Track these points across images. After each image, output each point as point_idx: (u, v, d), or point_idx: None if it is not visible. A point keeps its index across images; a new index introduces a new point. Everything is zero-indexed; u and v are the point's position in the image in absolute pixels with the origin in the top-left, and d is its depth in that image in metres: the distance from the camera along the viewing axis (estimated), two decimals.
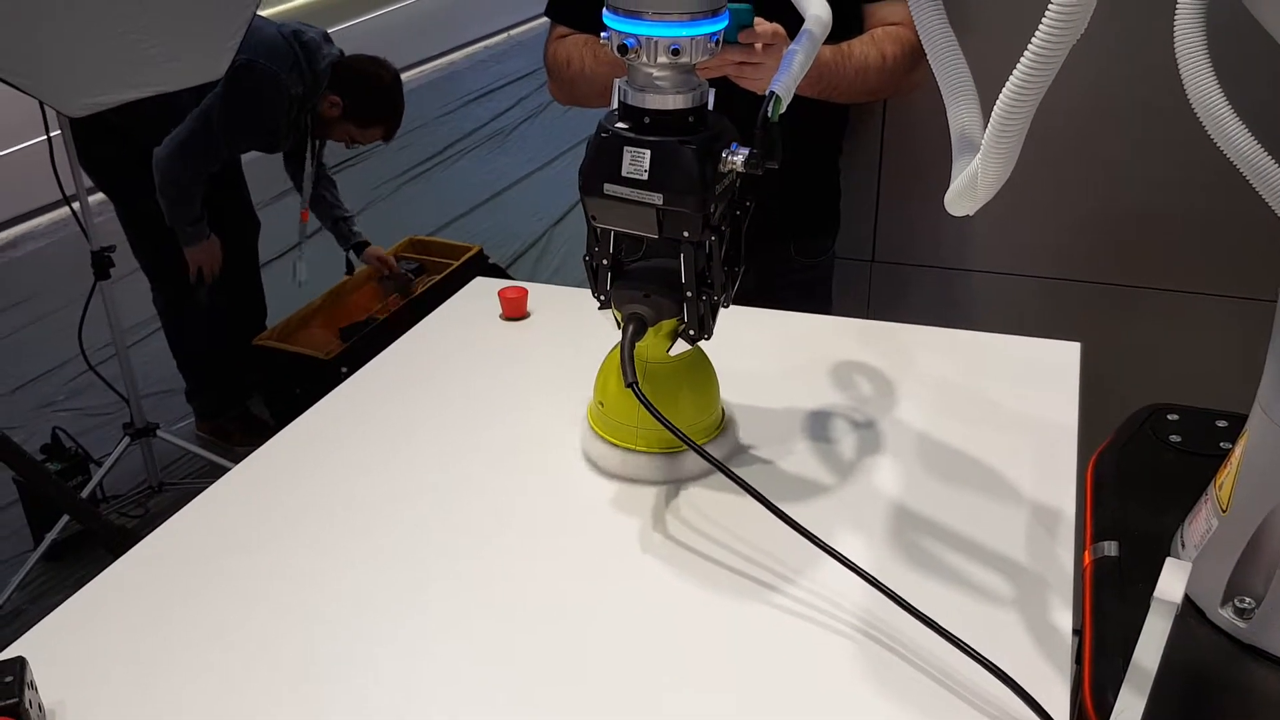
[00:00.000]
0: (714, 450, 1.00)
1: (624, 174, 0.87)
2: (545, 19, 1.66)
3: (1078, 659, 0.83)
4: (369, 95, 2.74)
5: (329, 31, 2.75)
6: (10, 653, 0.79)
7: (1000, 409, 1.13)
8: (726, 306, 0.96)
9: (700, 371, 1.02)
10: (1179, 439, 1.02)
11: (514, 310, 1.36)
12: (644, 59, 0.85)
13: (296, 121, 2.67)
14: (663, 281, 0.94)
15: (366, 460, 1.09)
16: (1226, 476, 0.82)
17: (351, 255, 3.13)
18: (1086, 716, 0.77)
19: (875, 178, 1.88)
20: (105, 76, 2.02)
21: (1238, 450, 0.82)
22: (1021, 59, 0.63)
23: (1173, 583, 0.66)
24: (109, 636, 0.86)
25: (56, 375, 3.32)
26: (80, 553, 2.52)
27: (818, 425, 1.11)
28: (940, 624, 0.78)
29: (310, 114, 2.67)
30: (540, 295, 1.40)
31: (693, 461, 1.00)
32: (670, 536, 0.95)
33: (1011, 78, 0.65)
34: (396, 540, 0.97)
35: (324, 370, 2.73)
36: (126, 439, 2.65)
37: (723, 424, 1.05)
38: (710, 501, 0.99)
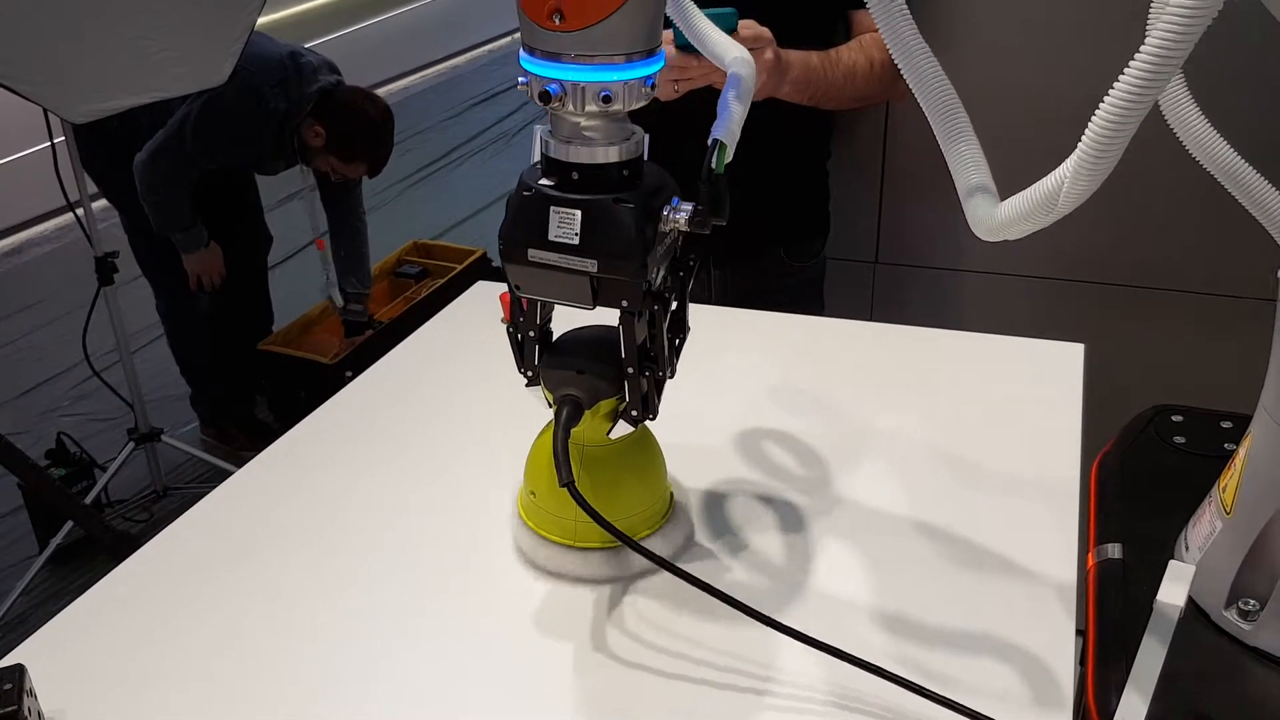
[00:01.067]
0: (664, 538, 0.91)
1: (551, 238, 0.77)
2: None
3: (1081, 661, 0.82)
4: (353, 129, 2.65)
5: (336, 35, 2.73)
6: (10, 660, 0.78)
7: (1004, 410, 1.12)
8: (671, 377, 0.85)
9: (645, 453, 0.91)
10: (1183, 440, 1.01)
11: None
12: (570, 108, 0.74)
13: (283, 142, 2.62)
14: (599, 355, 0.83)
15: (368, 466, 1.09)
16: (1230, 478, 0.82)
17: (335, 297, 3.05)
18: (1090, 718, 0.77)
19: (878, 179, 1.88)
20: (108, 83, 2.02)
21: (1241, 452, 0.81)
22: (1135, 63, 0.57)
23: (1176, 586, 0.65)
24: (109, 643, 0.86)
25: (62, 380, 3.33)
26: (85, 558, 2.52)
27: (814, 431, 1.11)
28: (922, 686, 0.74)
29: (297, 138, 2.64)
30: None
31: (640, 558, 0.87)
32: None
33: (1121, 85, 0.59)
34: (399, 544, 0.96)
35: (328, 374, 2.73)
36: (131, 444, 2.65)
37: (670, 507, 0.95)
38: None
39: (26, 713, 0.72)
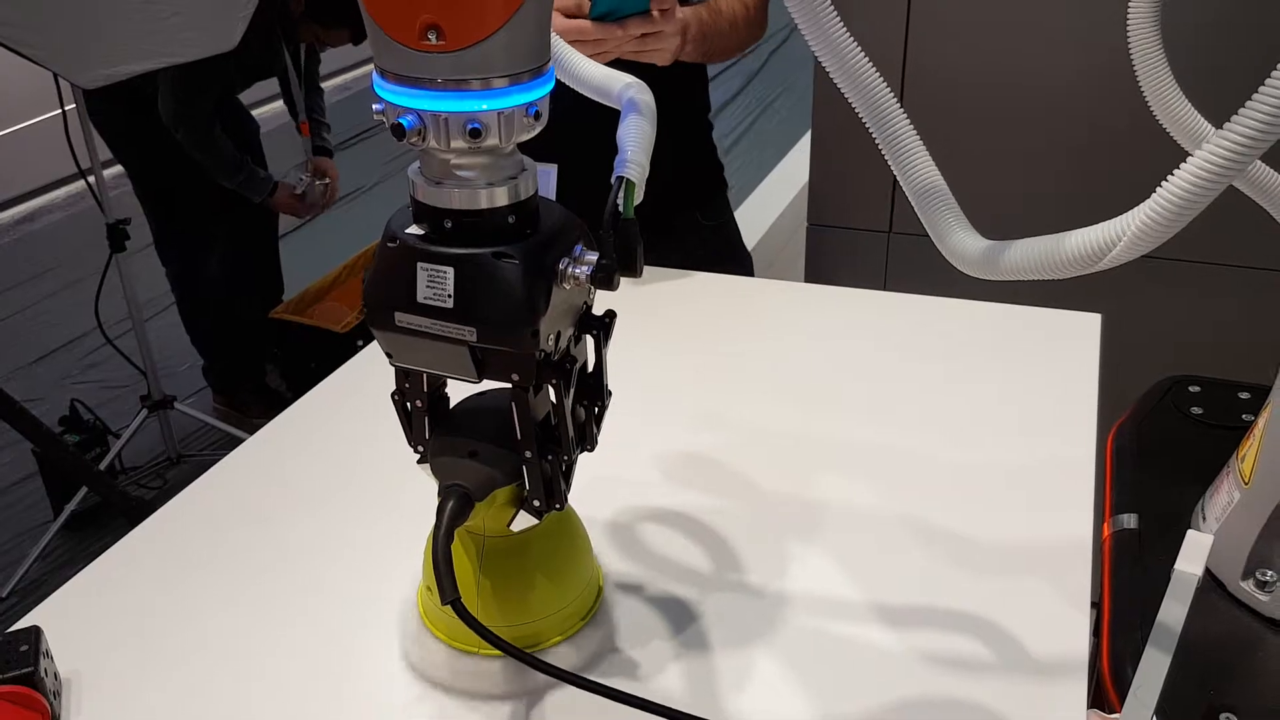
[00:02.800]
0: (581, 644, 0.77)
1: (420, 300, 0.63)
2: None
3: (1095, 632, 0.82)
4: None
5: None
6: (26, 622, 0.79)
7: (1020, 380, 1.11)
8: (590, 450, 0.73)
9: (560, 542, 0.76)
10: (1200, 411, 1.01)
11: None
12: (434, 143, 0.60)
13: (268, 27, 2.55)
14: (499, 431, 0.69)
15: (379, 432, 1.08)
16: (1249, 449, 0.81)
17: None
18: (1105, 690, 0.77)
19: None
20: (119, 48, 2.01)
21: (1261, 422, 0.80)
22: (1224, 135, 0.53)
23: (1194, 556, 0.65)
24: (124, 606, 0.86)
25: (75, 348, 3.34)
26: (99, 523, 2.54)
27: (822, 400, 1.10)
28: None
29: (281, 15, 2.58)
30: None
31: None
32: None
33: (1207, 154, 0.55)
34: (409, 511, 0.96)
35: (340, 343, 2.74)
36: (144, 411, 2.66)
37: (599, 596, 0.81)
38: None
39: (43, 673, 0.72)
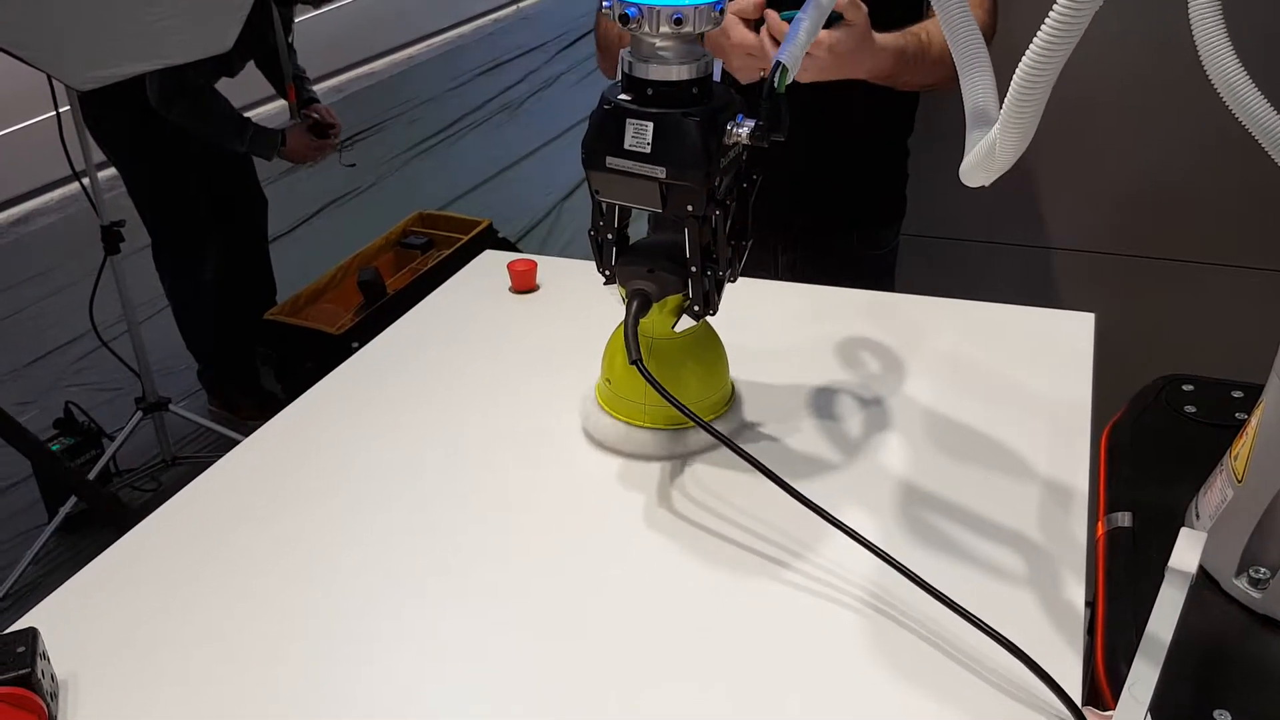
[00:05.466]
0: (721, 426, 0.99)
1: (626, 147, 0.85)
2: None
3: (1090, 630, 0.82)
4: None
5: (339, 6, 2.70)
6: (23, 624, 0.79)
7: (1014, 380, 1.12)
8: (733, 281, 0.94)
9: (707, 347, 1.01)
10: (1194, 409, 1.01)
11: (523, 283, 1.35)
12: (646, 29, 0.83)
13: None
14: (668, 257, 0.92)
15: (374, 434, 1.09)
16: (1242, 446, 0.81)
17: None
18: (1099, 688, 0.77)
19: None
20: (113, 50, 2.01)
21: (1254, 420, 0.81)
22: (1042, 27, 0.62)
23: (1188, 553, 0.65)
24: (120, 608, 0.86)
25: (69, 350, 3.33)
26: (94, 526, 2.54)
27: (827, 401, 1.10)
28: (950, 598, 0.77)
29: None
30: (549, 268, 1.39)
31: (699, 437, 0.99)
32: (676, 513, 0.95)
33: (1031, 46, 0.64)
34: (404, 514, 0.97)
35: (334, 345, 2.73)
36: (139, 413, 2.66)
37: (731, 400, 1.04)
38: (717, 478, 0.98)
39: (40, 675, 0.72)
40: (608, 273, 0.96)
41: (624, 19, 0.83)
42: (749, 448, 0.93)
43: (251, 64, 2.78)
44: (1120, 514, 0.87)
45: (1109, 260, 1.81)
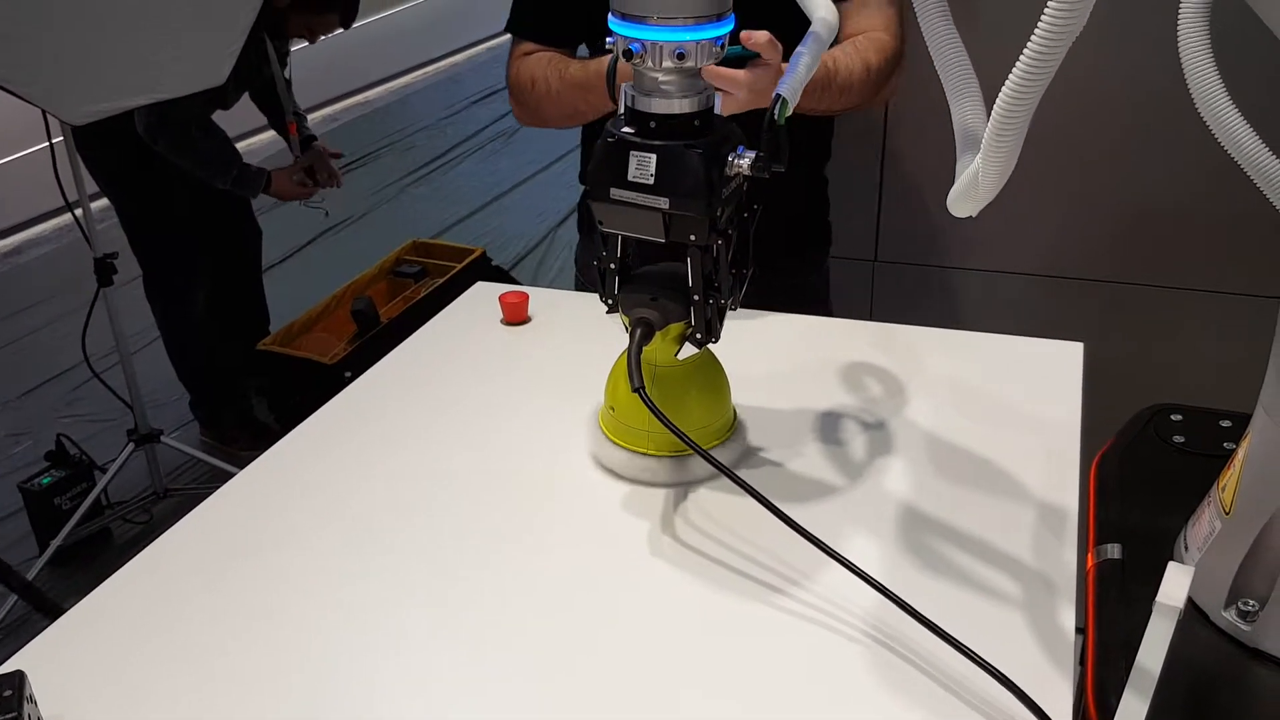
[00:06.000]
0: (723, 454, 1.01)
1: (630, 179, 0.87)
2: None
3: (1081, 660, 0.82)
4: None
5: (336, 33, 2.71)
6: (10, 666, 0.78)
7: (1003, 410, 1.12)
8: (734, 310, 0.96)
9: (710, 374, 1.03)
10: (1182, 439, 1.01)
11: (515, 315, 1.36)
12: (649, 64, 0.85)
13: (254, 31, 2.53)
14: (670, 285, 0.95)
15: (369, 470, 1.09)
16: (1230, 478, 0.82)
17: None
18: (1089, 719, 0.77)
19: (877, 177, 1.88)
20: (107, 84, 2.02)
21: (1241, 452, 0.81)
22: (1020, 58, 0.63)
23: (1175, 587, 0.65)
24: (109, 649, 0.86)
25: (61, 382, 3.32)
26: (85, 559, 2.53)
27: (823, 427, 1.11)
28: (944, 629, 0.78)
29: (265, 15, 2.56)
30: (541, 299, 1.40)
31: (702, 465, 0.99)
32: (679, 540, 0.95)
33: (1010, 77, 0.65)
34: (401, 546, 0.96)
35: (327, 375, 2.73)
36: (131, 445, 2.65)
37: (733, 427, 1.05)
38: (719, 505, 0.99)
39: (27, 719, 0.72)
40: (610, 301, 0.98)
41: (628, 54, 0.86)
42: (750, 474, 0.96)
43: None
44: (1110, 545, 0.88)
45: (1099, 287, 1.82)
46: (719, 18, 0.85)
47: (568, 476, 1.05)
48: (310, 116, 2.96)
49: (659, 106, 0.87)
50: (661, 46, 0.84)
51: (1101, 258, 1.80)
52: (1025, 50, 0.63)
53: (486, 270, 3.26)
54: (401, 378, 1.26)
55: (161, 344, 2.96)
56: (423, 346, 1.33)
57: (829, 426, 1.11)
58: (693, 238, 0.89)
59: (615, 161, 0.88)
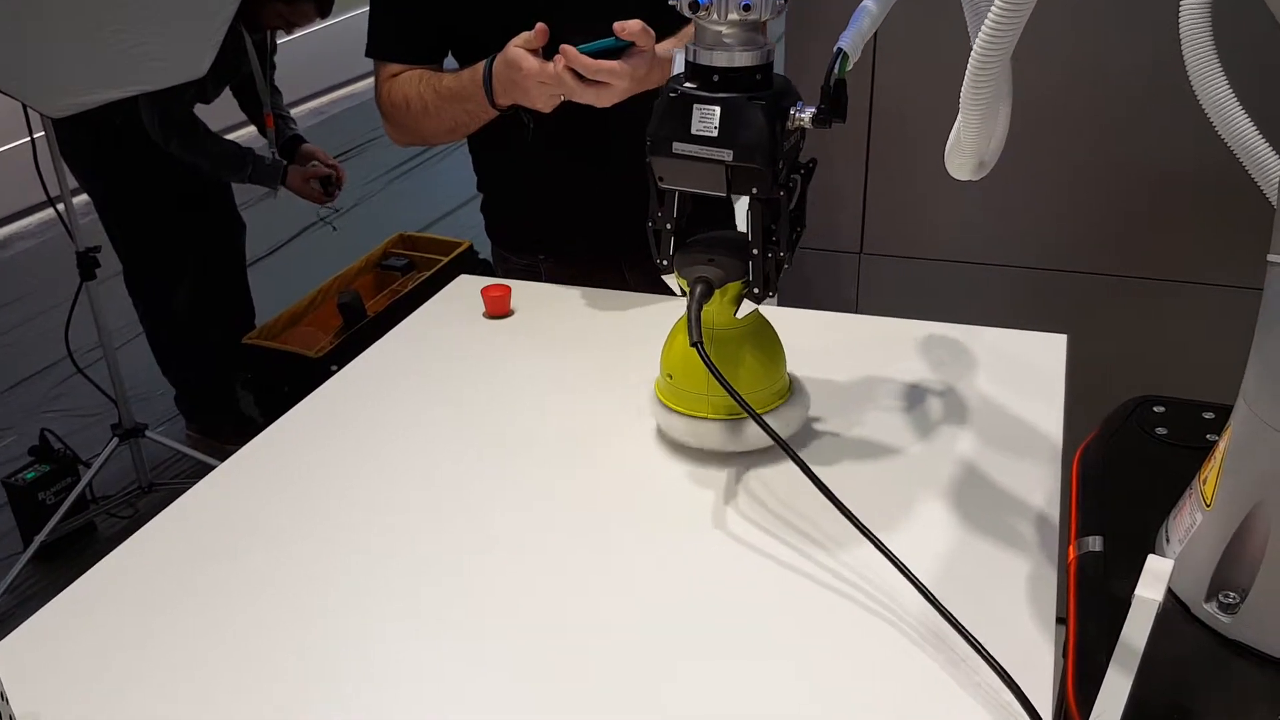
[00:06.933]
0: (782, 415, 1.02)
1: (693, 132, 0.89)
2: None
3: (1064, 653, 0.82)
4: None
5: (321, 26, 2.68)
6: None
7: (987, 402, 1.12)
8: (789, 265, 0.97)
9: (764, 338, 1.03)
10: (1165, 431, 1.01)
11: (497, 308, 1.35)
12: (715, 16, 0.86)
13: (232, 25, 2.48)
14: (725, 247, 0.97)
15: (351, 462, 1.08)
16: (1211, 470, 0.81)
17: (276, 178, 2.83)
18: (1069, 711, 0.77)
19: (863, 170, 1.87)
20: (87, 77, 2.01)
21: (1221, 444, 0.81)
22: (989, 14, 0.67)
23: (1154, 580, 0.65)
24: (87, 644, 0.85)
25: (45, 377, 3.31)
26: (70, 555, 2.51)
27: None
28: (952, 613, 0.79)
29: (242, 7, 2.53)
30: (524, 293, 1.39)
31: (759, 432, 0.98)
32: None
33: (980, 34, 0.69)
34: (383, 541, 0.96)
35: (313, 368, 2.72)
36: (115, 440, 2.64)
37: (790, 391, 1.06)
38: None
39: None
40: (664, 262, 1.00)
41: (694, 6, 0.86)
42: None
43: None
44: (1091, 538, 0.87)
45: (1082, 279, 1.82)
46: None
47: (544, 473, 1.05)
48: (297, 109, 2.94)
49: (721, 60, 0.88)
50: None
51: (1085, 249, 1.80)
52: (994, 5, 0.67)
53: (473, 263, 3.25)
54: (384, 372, 1.25)
55: (144, 339, 2.95)
56: (405, 340, 1.33)
57: (810, 416, 1.11)
58: (755, 190, 0.90)
59: (679, 116, 0.89)
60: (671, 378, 1.03)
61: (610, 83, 1.20)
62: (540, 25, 1.24)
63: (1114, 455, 0.99)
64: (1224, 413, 0.85)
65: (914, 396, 1.14)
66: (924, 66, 1.61)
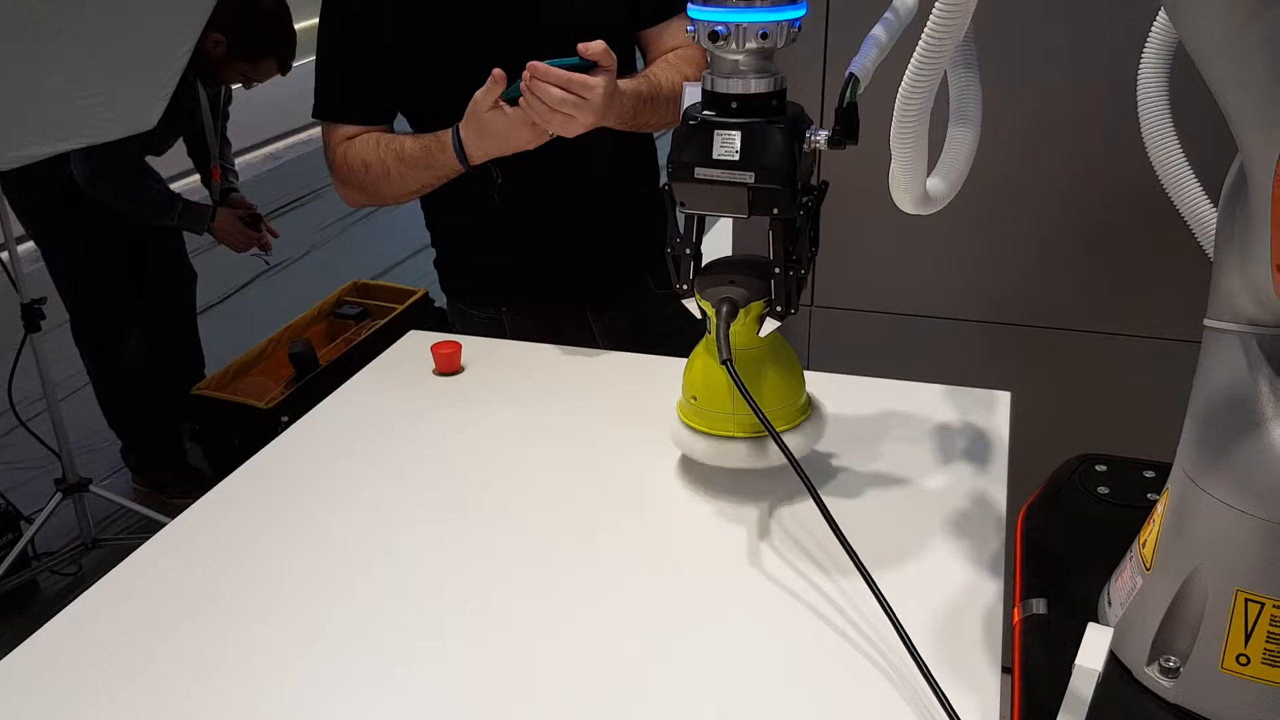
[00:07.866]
0: (805, 431, 1.07)
1: (715, 156, 0.93)
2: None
3: (1011, 705, 0.82)
4: (251, 25, 2.55)
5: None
6: None
7: (930, 460, 1.13)
8: (805, 284, 1.01)
9: (785, 356, 1.07)
10: (1107, 490, 1.02)
11: (447, 365, 1.35)
12: (733, 45, 0.90)
13: (185, 78, 2.37)
14: (745, 270, 1.01)
15: (306, 512, 1.07)
16: (1149, 534, 0.82)
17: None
18: None
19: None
20: (35, 128, 1.98)
21: (1160, 507, 0.82)
22: (915, 52, 0.72)
23: (1095, 649, 0.66)
24: (33, 707, 0.83)
25: None
26: (19, 608, 2.45)
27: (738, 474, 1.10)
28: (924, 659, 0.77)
29: (199, 63, 2.48)
30: (474, 348, 1.39)
31: (777, 452, 1.01)
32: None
33: (907, 70, 0.73)
34: (339, 594, 0.94)
35: (263, 419, 2.68)
36: (58, 494, 2.58)
37: (810, 409, 1.09)
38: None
39: None
40: (684, 287, 1.03)
41: (713, 36, 0.90)
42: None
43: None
44: (1035, 600, 0.88)
45: (1025, 333, 1.84)
46: (795, 0, 0.91)
47: (495, 528, 1.04)
48: (251, 155, 2.94)
49: (739, 87, 0.92)
50: (746, 28, 0.89)
51: (1029, 303, 1.83)
52: (919, 43, 0.71)
53: (428, 311, 3.24)
54: (333, 431, 1.24)
55: (89, 391, 2.90)
56: (355, 396, 1.32)
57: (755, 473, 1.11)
58: (775, 211, 0.94)
59: (700, 142, 0.93)
60: (696, 399, 1.06)
61: (583, 97, 1.22)
62: (496, 70, 1.25)
63: (1057, 515, 1.00)
64: (1164, 471, 0.87)
65: (859, 453, 1.15)
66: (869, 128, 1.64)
